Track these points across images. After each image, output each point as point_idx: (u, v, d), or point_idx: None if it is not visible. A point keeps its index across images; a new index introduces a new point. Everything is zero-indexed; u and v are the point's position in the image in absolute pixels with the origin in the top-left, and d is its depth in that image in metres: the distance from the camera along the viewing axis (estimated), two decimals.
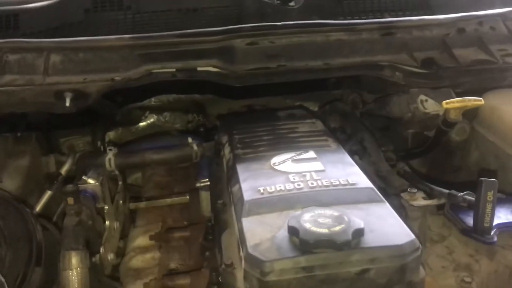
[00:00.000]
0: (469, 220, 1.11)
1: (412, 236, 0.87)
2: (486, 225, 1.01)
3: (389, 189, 1.34)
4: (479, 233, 1.02)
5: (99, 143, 1.74)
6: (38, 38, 1.44)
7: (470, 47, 1.51)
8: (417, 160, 1.74)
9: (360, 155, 1.47)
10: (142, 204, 1.71)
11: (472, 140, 1.60)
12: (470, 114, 1.57)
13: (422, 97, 1.47)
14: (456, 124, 1.39)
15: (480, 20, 1.53)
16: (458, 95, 1.44)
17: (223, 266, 0.93)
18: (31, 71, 1.35)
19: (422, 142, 1.57)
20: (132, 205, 1.69)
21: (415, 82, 1.47)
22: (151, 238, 1.51)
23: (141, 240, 1.51)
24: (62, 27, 1.60)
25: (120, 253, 1.52)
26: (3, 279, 1.01)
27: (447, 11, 1.56)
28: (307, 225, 0.85)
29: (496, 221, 1.13)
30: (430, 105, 1.47)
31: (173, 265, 1.42)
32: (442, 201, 1.15)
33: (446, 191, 1.15)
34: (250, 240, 0.88)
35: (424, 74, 1.45)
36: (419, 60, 1.46)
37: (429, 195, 1.19)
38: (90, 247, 1.28)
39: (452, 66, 1.46)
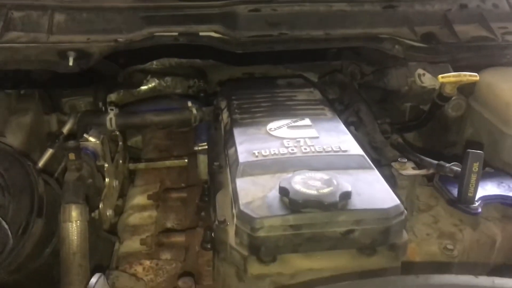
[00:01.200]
0: (456, 192, 1.14)
1: (397, 201, 0.91)
2: (470, 195, 1.05)
3: (382, 159, 1.37)
4: (462, 202, 1.06)
5: (100, 104, 1.77)
6: None
7: (471, 23, 1.52)
8: (414, 134, 1.77)
9: (356, 126, 1.50)
10: (142, 165, 1.75)
11: (467, 116, 1.62)
12: (467, 90, 1.59)
13: (420, 71, 1.50)
14: (450, 99, 1.41)
15: None
16: (456, 70, 1.46)
17: (216, 222, 0.97)
18: (35, 29, 1.37)
19: (418, 116, 1.59)
20: (131, 166, 1.73)
21: (414, 56, 1.49)
22: (149, 197, 1.56)
23: (139, 199, 1.56)
24: None
25: (119, 211, 1.57)
26: (6, 226, 1.06)
27: None
28: (297, 186, 0.89)
29: (481, 194, 1.17)
30: (427, 79, 1.49)
31: (169, 224, 1.47)
32: (431, 171, 1.18)
33: (435, 161, 1.18)
34: (243, 199, 0.92)
35: (424, 49, 1.47)
36: (419, 34, 1.47)
37: (419, 166, 1.23)
38: (90, 203, 1.32)
39: (451, 41, 1.48)
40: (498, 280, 0.68)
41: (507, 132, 1.41)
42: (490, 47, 1.49)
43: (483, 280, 0.67)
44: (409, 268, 0.99)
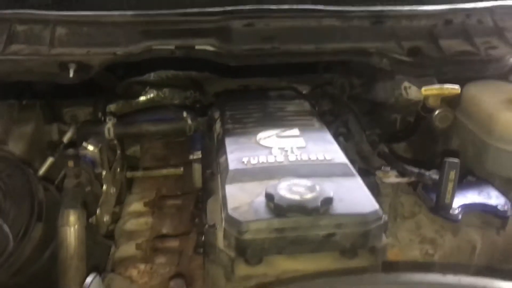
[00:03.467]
0: None
1: (376, 207, 0.96)
2: (447, 201, 1.10)
3: (369, 168, 1.42)
4: (440, 208, 1.12)
5: (100, 114, 1.83)
6: (45, 10, 1.52)
7: (456, 38, 1.58)
8: (405, 145, 1.83)
9: (345, 136, 1.56)
10: (139, 173, 1.80)
11: (454, 128, 1.68)
12: (454, 103, 1.65)
13: (406, 84, 1.55)
14: (434, 110, 1.46)
15: (468, 13, 1.59)
16: (442, 83, 1.51)
17: (206, 226, 1.02)
18: (37, 41, 1.43)
19: (404, 126, 1.65)
20: (129, 174, 1.78)
21: (401, 69, 1.54)
22: (145, 204, 1.61)
23: (135, 205, 1.61)
24: (69, 1, 1.68)
25: (116, 218, 1.62)
26: (7, 230, 1.12)
27: (436, 3, 1.63)
28: (282, 192, 0.95)
29: (462, 202, 1.22)
30: (413, 92, 1.55)
31: (164, 230, 1.52)
32: (412, 179, 1.24)
33: (417, 170, 1.24)
34: (231, 204, 0.98)
35: (410, 62, 1.52)
36: (406, 49, 1.53)
37: (402, 174, 1.28)
38: (88, 209, 1.37)
39: (437, 55, 1.53)
40: (464, 279, 0.73)
41: (489, 142, 1.46)
42: (474, 61, 1.55)
43: (450, 278, 0.72)
44: (391, 268, 1.04)
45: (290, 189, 0.96)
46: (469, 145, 1.60)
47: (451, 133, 1.70)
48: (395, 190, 1.25)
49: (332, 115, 1.71)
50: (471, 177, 1.34)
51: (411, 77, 1.57)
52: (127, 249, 1.41)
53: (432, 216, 1.23)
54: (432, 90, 1.35)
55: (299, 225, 0.92)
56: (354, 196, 0.99)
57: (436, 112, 1.58)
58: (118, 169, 1.69)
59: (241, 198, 0.99)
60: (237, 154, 1.15)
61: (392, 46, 1.53)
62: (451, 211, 1.18)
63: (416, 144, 1.81)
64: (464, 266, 1.15)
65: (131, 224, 1.52)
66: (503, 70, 1.56)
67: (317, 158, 1.12)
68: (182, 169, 1.78)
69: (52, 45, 1.42)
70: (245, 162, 1.11)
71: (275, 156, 1.13)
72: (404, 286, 0.70)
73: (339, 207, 0.95)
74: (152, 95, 2.00)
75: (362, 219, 0.94)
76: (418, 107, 1.49)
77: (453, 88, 1.34)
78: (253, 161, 1.11)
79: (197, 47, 1.49)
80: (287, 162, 1.10)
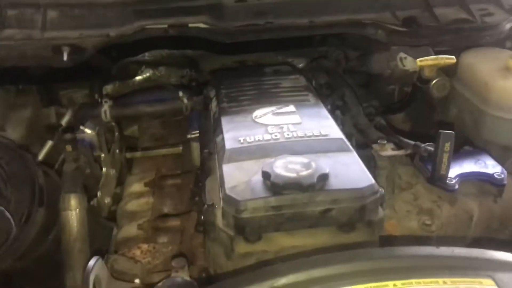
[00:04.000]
0: None
1: (372, 181, 0.97)
2: (442, 173, 1.11)
3: (367, 141, 1.43)
4: (436, 179, 1.13)
5: (96, 95, 1.83)
6: None
7: (451, 6, 1.56)
8: (403, 116, 1.83)
9: (342, 110, 1.55)
10: (138, 154, 1.81)
11: (451, 97, 1.67)
12: (451, 71, 1.64)
13: (402, 54, 1.55)
14: (430, 81, 1.46)
15: None
16: (438, 53, 1.50)
17: (205, 206, 1.04)
18: (29, 26, 1.42)
19: (401, 97, 1.65)
20: (128, 155, 1.79)
21: (396, 40, 1.53)
22: (145, 184, 1.62)
23: (136, 186, 1.62)
24: None
25: (117, 199, 1.63)
26: (9, 216, 1.13)
27: None
28: (278, 170, 0.96)
29: (459, 171, 1.23)
30: (409, 63, 1.54)
31: (165, 209, 1.53)
32: (408, 151, 1.24)
33: (412, 142, 1.24)
34: (228, 183, 0.99)
35: (405, 33, 1.51)
36: (401, 19, 1.52)
37: (398, 146, 1.29)
38: (89, 192, 1.39)
39: (432, 24, 1.52)
40: (457, 250, 0.74)
41: (486, 110, 1.46)
42: (470, 29, 1.53)
43: (444, 250, 0.74)
44: (389, 242, 1.06)
45: (286, 167, 0.96)
46: (466, 114, 1.60)
47: (448, 102, 1.70)
48: (392, 162, 1.25)
49: (328, 88, 1.70)
50: (467, 146, 1.35)
51: (407, 48, 1.56)
52: (129, 229, 1.43)
53: (429, 186, 1.24)
54: (427, 61, 1.34)
55: (295, 202, 0.93)
56: (350, 171, 1.00)
57: (433, 81, 1.57)
58: (117, 151, 1.70)
59: (238, 177, 1.00)
60: (233, 133, 1.16)
61: (386, 16, 1.52)
62: (448, 181, 1.18)
63: (414, 114, 1.81)
64: (460, 238, 1.16)
65: (132, 205, 1.54)
66: (500, 37, 1.55)
67: (313, 134, 1.12)
68: (181, 148, 1.79)
69: (44, 29, 1.42)
70: (242, 141, 1.11)
71: (271, 134, 1.13)
72: (399, 259, 0.72)
73: (335, 182, 0.96)
74: (148, 74, 1.99)
75: (358, 193, 0.95)
76: (414, 77, 1.49)
77: (448, 58, 1.34)
78: (249, 139, 1.11)
79: (190, 25, 1.48)
80: (283, 139, 1.11)
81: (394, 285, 0.68)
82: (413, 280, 0.69)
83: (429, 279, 0.69)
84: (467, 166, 1.26)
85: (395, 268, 0.71)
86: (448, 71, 1.65)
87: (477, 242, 1.19)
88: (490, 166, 1.26)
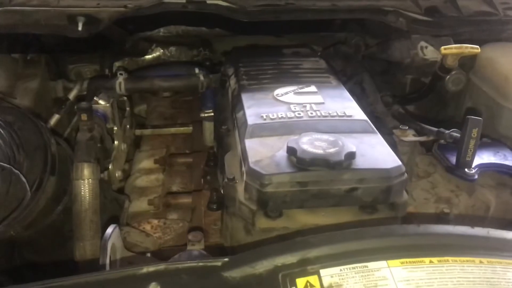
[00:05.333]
0: (454, 159, 1.19)
1: (398, 162, 0.96)
2: (468, 159, 1.10)
3: (383, 128, 1.41)
4: (461, 165, 1.11)
5: (106, 70, 1.80)
6: None
7: None
8: (414, 108, 1.81)
9: (358, 96, 1.53)
10: (148, 131, 1.79)
11: (466, 90, 1.66)
12: (468, 65, 1.63)
13: (423, 43, 1.53)
14: (451, 71, 1.45)
15: None
16: (458, 44, 1.49)
17: (225, 180, 1.01)
18: None
19: (418, 88, 1.63)
20: (137, 132, 1.77)
21: (418, 29, 1.52)
22: (155, 161, 1.60)
23: (146, 163, 1.60)
24: None
25: (126, 175, 1.61)
26: (24, 180, 1.11)
27: None
28: (305, 146, 0.94)
29: (478, 162, 1.22)
30: (429, 52, 1.53)
31: (175, 187, 1.51)
32: (431, 137, 1.23)
33: (435, 129, 1.23)
34: (252, 157, 0.97)
35: (427, 22, 1.50)
36: (423, 8, 1.50)
37: (419, 133, 1.27)
38: (100, 164, 1.36)
39: (454, 15, 1.51)
40: (492, 231, 0.73)
41: (504, 104, 1.45)
42: (491, 21, 1.52)
43: (479, 230, 0.72)
44: (409, 221, 1.04)
45: (312, 144, 0.95)
46: (482, 107, 1.58)
47: (463, 95, 1.69)
48: (412, 149, 1.24)
49: (344, 75, 1.68)
50: (486, 138, 1.33)
51: (428, 37, 1.54)
52: (139, 204, 1.41)
53: (448, 176, 1.23)
54: (451, 49, 1.33)
55: (321, 179, 0.92)
56: (376, 151, 0.99)
57: (449, 75, 1.56)
58: (128, 126, 1.68)
59: (262, 152, 0.98)
60: (255, 109, 1.14)
61: (409, 4, 1.51)
62: (467, 171, 1.17)
63: (425, 106, 1.80)
64: (480, 219, 1.15)
65: (142, 181, 1.52)
66: None
67: (337, 114, 1.11)
68: (191, 127, 1.77)
69: None
70: (264, 117, 1.09)
71: (294, 112, 1.11)
72: (435, 236, 0.70)
73: (361, 162, 0.94)
74: (158, 53, 1.97)
75: (385, 174, 0.93)
76: (434, 67, 1.47)
77: (473, 47, 1.32)
78: (272, 116, 1.10)
79: (209, 1, 1.45)
80: (307, 118, 1.09)
81: (430, 261, 0.67)
82: (449, 258, 0.67)
83: (465, 258, 0.68)
84: (487, 157, 1.25)
85: (431, 245, 0.69)
86: (464, 65, 1.64)
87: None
88: (510, 158, 1.25)
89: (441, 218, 1.10)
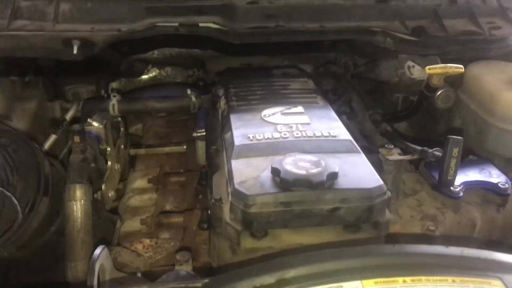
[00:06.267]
0: None
1: (380, 182, 0.98)
2: (449, 177, 1.12)
3: (372, 147, 1.44)
4: (443, 184, 1.13)
5: (102, 91, 1.83)
6: None
7: (460, 18, 1.58)
8: (406, 126, 1.84)
9: (348, 115, 1.56)
10: (142, 151, 1.82)
11: (456, 107, 1.69)
12: (456, 83, 1.66)
13: (410, 63, 1.56)
14: (437, 90, 1.47)
15: None
16: (445, 63, 1.51)
17: (212, 200, 1.04)
18: (41, 17, 1.42)
19: (409, 106, 1.66)
20: (132, 151, 1.80)
21: (405, 48, 1.55)
22: (149, 181, 1.62)
23: (139, 182, 1.62)
24: None
25: (119, 195, 1.63)
26: (16, 202, 1.13)
27: None
28: (288, 167, 0.96)
29: (463, 179, 1.24)
30: (416, 71, 1.56)
31: (168, 206, 1.53)
32: (415, 156, 1.25)
33: (419, 147, 1.25)
34: (237, 178, 0.99)
35: (414, 42, 1.53)
36: (410, 28, 1.53)
37: (405, 152, 1.30)
38: (93, 184, 1.38)
39: (441, 35, 1.54)
40: (467, 250, 0.75)
41: (491, 122, 1.47)
42: (477, 41, 1.55)
43: (453, 249, 0.74)
44: (393, 241, 1.06)
45: (296, 164, 0.97)
46: (471, 124, 1.61)
47: (453, 113, 1.71)
48: (398, 167, 1.26)
49: (334, 94, 1.71)
50: (472, 156, 1.36)
51: (415, 57, 1.57)
52: (132, 224, 1.43)
53: (434, 193, 1.25)
54: (436, 69, 1.35)
55: (304, 199, 0.94)
56: (358, 171, 1.01)
57: (438, 92, 1.59)
58: (122, 146, 1.70)
59: (247, 173, 1.01)
60: (243, 130, 1.16)
61: (396, 25, 1.54)
62: (452, 189, 1.19)
63: (417, 124, 1.82)
64: (464, 239, 1.17)
65: (135, 200, 1.54)
66: (507, 50, 1.57)
67: (321, 134, 1.13)
68: (185, 146, 1.80)
69: (56, 21, 1.42)
70: (251, 138, 1.12)
71: (280, 132, 1.14)
72: (409, 256, 0.72)
73: (344, 182, 0.97)
74: (154, 73, 2.01)
75: (366, 193, 0.95)
76: (421, 86, 1.50)
77: (457, 67, 1.35)
78: (259, 136, 1.12)
79: (201, 24, 1.48)
80: (292, 138, 1.12)
81: (404, 280, 0.69)
82: (423, 277, 0.69)
83: (438, 277, 0.70)
84: (472, 174, 1.27)
85: (405, 265, 0.71)
86: (453, 83, 1.67)
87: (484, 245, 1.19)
88: (494, 175, 1.27)
89: (426, 236, 1.12)
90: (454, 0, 1.59)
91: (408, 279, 0.69)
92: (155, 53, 1.92)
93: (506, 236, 1.27)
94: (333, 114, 1.26)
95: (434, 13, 1.56)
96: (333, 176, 0.96)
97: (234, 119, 1.23)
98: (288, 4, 1.51)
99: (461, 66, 1.37)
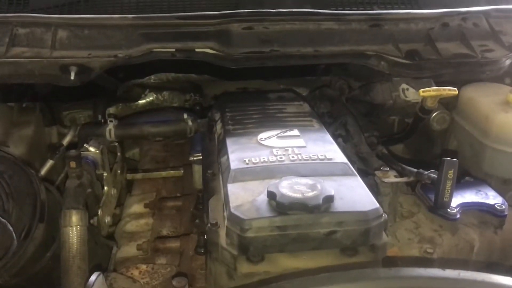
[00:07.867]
0: None
1: (376, 205, 0.98)
2: (445, 200, 1.12)
3: (368, 169, 1.44)
4: (439, 206, 1.13)
5: (99, 116, 1.85)
6: (47, 14, 1.53)
7: (452, 41, 1.60)
8: (402, 148, 1.85)
9: (343, 138, 1.57)
10: (139, 175, 1.81)
11: (451, 129, 1.70)
12: (451, 105, 1.68)
13: (404, 85, 1.58)
14: (432, 112, 1.48)
15: (464, 16, 1.62)
16: (439, 85, 1.53)
17: (208, 225, 1.03)
18: (39, 44, 1.44)
19: (403, 128, 1.67)
20: (129, 176, 1.79)
21: (399, 71, 1.56)
22: (145, 206, 1.61)
23: (136, 207, 1.61)
24: (70, 5, 1.69)
25: (116, 220, 1.63)
26: (11, 229, 1.12)
27: (433, 7, 1.66)
28: (284, 191, 0.96)
29: (460, 201, 1.24)
30: (410, 94, 1.57)
31: (165, 231, 1.52)
32: (411, 178, 1.26)
33: (415, 170, 1.26)
34: (233, 202, 0.99)
35: (407, 65, 1.54)
36: (403, 51, 1.55)
37: (401, 174, 1.30)
38: (89, 210, 1.38)
39: (434, 58, 1.56)
40: (464, 273, 0.74)
41: (486, 143, 1.48)
42: (470, 63, 1.57)
43: (450, 272, 0.74)
44: (391, 264, 1.05)
45: (292, 188, 0.97)
46: (466, 146, 1.62)
47: (448, 134, 1.73)
48: (394, 190, 1.26)
49: (330, 117, 1.73)
50: (468, 177, 1.36)
51: (409, 79, 1.59)
52: (128, 249, 1.42)
53: (431, 215, 1.24)
54: (429, 91, 1.37)
55: (300, 222, 0.93)
56: (354, 194, 1.01)
57: (434, 114, 1.60)
58: (119, 171, 1.70)
59: (243, 197, 1.00)
60: (239, 154, 1.17)
61: (390, 48, 1.55)
62: (449, 210, 1.19)
63: (414, 145, 1.83)
64: (463, 261, 1.16)
65: (131, 225, 1.53)
66: (499, 72, 1.58)
67: (317, 157, 1.13)
68: (181, 170, 1.79)
69: (53, 48, 1.43)
70: (247, 162, 1.12)
71: (276, 156, 1.14)
72: (405, 279, 0.72)
73: (340, 205, 0.96)
74: (151, 98, 2.02)
75: (362, 216, 0.95)
76: (416, 108, 1.51)
77: (451, 89, 1.37)
78: (255, 160, 1.12)
79: (197, 50, 1.50)
80: (288, 161, 1.12)
81: None
82: None
83: None
84: (469, 196, 1.27)
85: None
86: (448, 105, 1.68)
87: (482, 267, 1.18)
88: (491, 197, 1.27)
89: (424, 259, 1.11)
90: (447, 23, 1.61)
91: None
92: (152, 78, 1.93)
93: (505, 258, 1.26)
94: (328, 137, 1.27)
95: (427, 37, 1.58)
96: (329, 199, 0.96)
97: (230, 143, 1.23)
98: (283, 29, 1.53)
99: (455, 88, 1.39)
